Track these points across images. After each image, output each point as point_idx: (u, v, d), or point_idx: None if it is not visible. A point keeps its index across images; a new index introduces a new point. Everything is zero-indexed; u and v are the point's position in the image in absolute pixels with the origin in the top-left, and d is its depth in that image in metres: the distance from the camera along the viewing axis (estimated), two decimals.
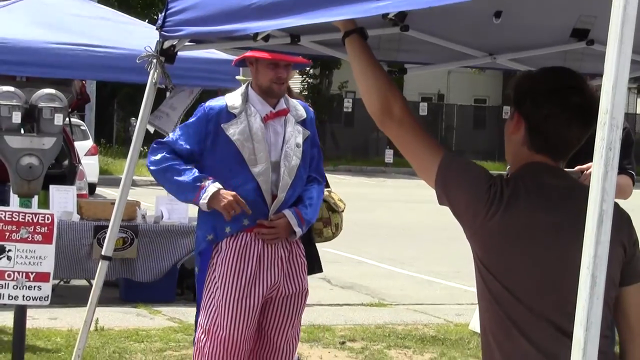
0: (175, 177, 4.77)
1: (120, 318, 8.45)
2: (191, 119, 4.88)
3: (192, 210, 9.75)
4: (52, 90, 9.47)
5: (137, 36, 8.80)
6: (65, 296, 9.12)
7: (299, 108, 5.01)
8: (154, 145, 4.86)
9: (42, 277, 8.13)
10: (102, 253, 4.72)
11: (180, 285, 9.60)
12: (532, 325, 2.67)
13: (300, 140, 4.93)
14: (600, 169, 1.93)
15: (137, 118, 4.84)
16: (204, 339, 4.76)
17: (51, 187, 9.26)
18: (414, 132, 2.86)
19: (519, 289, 2.68)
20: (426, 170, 2.82)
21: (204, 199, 4.70)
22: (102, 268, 4.66)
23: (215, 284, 4.77)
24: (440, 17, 3.94)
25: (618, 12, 1.91)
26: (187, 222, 9.43)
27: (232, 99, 4.85)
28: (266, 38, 3.90)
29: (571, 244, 2.60)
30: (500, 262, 2.71)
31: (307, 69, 37.29)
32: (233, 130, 4.77)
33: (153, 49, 4.33)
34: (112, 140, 31.14)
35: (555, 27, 4.23)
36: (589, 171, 4.79)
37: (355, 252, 13.70)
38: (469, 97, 41.59)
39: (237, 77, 6.00)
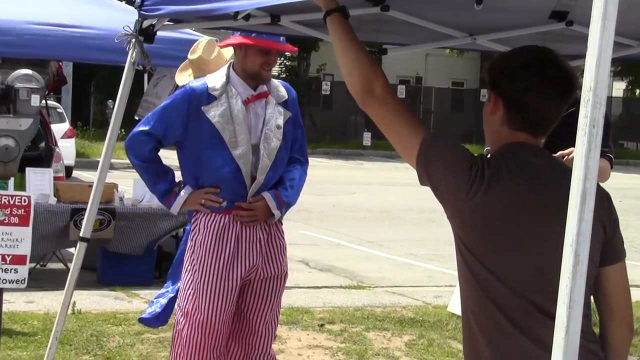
0: (152, 181, 4.86)
1: (97, 301, 8.42)
2: (171, 100, 4.83)
3: None
4: (28, 71, 9.41)
5: (114, 16, 8.74)
6: (42, 279, 9.07)
7: (281, 89, 4.97)
8: (142, 138, 4.78)
9: (18, 259, 8.07)
10: (81, 234, 4.69)
11: (158, 268, 9.57)
12: (513, 305, 2.67)
13: (281, 121, 4.89)
14: (584, 146, 1.92)
15: (114, 101, 4.79)
16: (183, 321, 4.74)
17: (27, 169, 9.21)
18: (395, 112, 2.84)
19: (500, 269, 2.68)
20: (408, 150, 2.81)
21: (176, 207, 4.83)
22: (80, 250, 4.62)
23: (193, 265, 4.75)
24: None
25: None
26: None
27: (213, 81, 4.80)
28: (247, 17, 3.87)
29: (553, 223, 2.60)
30: (481, 242, 2.70)
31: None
32: (213, 113, 4.73)
33: (132, 29, 4.28)
34: (89, 123, 30.97)
35: (534, 9, 4.22)
36: (571, 156, 4.78)
37: (334, 235, 13.71)
38: (446, 79, 41.63)
39: (189, 57, 5.79)
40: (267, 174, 4.82)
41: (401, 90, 35.91)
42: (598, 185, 2.89)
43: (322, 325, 7.89)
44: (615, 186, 5.40)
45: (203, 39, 5.24)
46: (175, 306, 4.83)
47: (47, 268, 9.86)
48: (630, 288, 8.83)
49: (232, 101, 4.76)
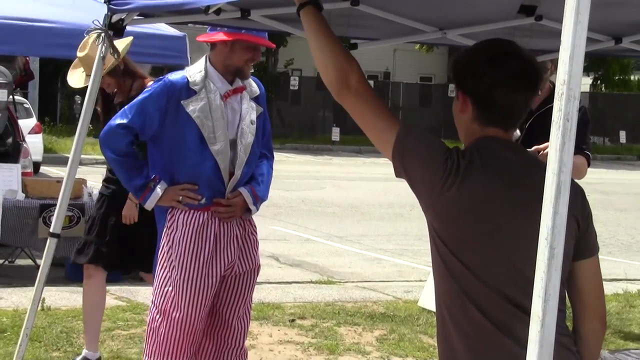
0: (127, 176, 4.78)
1: (67, 297, 8.36)
2: (149, 93, 4.73)
3: None
4: None
5: (82, 11, 8.66)
6: (11, 276, 9.00)
7: (253, 84, 4.96)
8: (119, 131, 4.71)
9: None
10: (51, 230, 4.65)
11: None
12: (487, 299, 2.67)
13: (254, 116, 4.88)
14: (558, 139, 1.92)
15: (82, 96, 4.74)
16: (159, 319, 4.69)
17: None
18: (371, 104, 2.84)
19: (474, 263, 2.68)
20: (383, 142, 2.80)
21: (151, 202, 4.76)
22: (50, 246, 4.59)
23: (171, 262, 4.69)
24: None
25: None
26: None
27: (193, 75, 4.75)
28: (217, 12, 3.85)
29: (526, 217, 2.60)
30: (455, 234, 2.70)
31: None
32: (193, 107, 4.68)
33: (101, 23, 4.25)
34: (56, 118, 30.79)
35: (503, 2, 4.23)
36: (545, 151, 4.80)
37: (303, 230, 13.71)
38: (414, 74, 41.74)
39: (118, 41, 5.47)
40: (242, 169, 4.81)
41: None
42: (572, 180, 2.91)
43: (292, 320, 7.89)
44: (582, 181, 5.39)
45: (92, 35, 4.76)
46: (151, 302, 4.79)
47: (15, 264, 9.78)
48: None
49: (210, 96, 4.71)
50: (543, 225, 1.93)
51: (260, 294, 8.80)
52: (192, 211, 4.73)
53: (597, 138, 39.07)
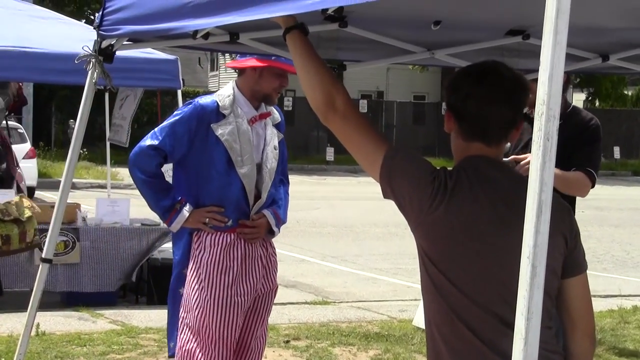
0: (155, 198, 4.81)
1: (62, 322, 8.36)
2: (179, 116, 4.81)
3: (133, 211, 9.70)
4: None
5: (73, 37, 8.70)
6: (5, 302, 8.98)
7: (275, 112, 5.07)
8: (149, 152, 4.77)
9: None
10: (43, 256, 4.66)
11: (123, 288, 9.53)
12: (476, 318, 2.69)
13: (276, 142, 5.01)
14: (539, 159, 1.95)
15: (75, 120, 4.75)
16: (194, 340, 4.73)
17: None
18: (358, 126, 2.87)
19: (463, 281, 2.70)
20: (371, 163, 2.83)
21: (177, 224, 4.80)
22: (42, 271, 4.60)
23: (200, 283, 4.75)
24: (378, 14, 3.96)
25: (552, 2, 1.94)
26: (129, 223, 9.36)
27: (223, 99, 4.85)
28: (206, 36, 3.89)
29: (513, 235, 2.62)
30: (444, 254, 2.73)
31: None
32: (222, 131, 4.77)
33: (91, 49, 4.28)
34: (50, 142, 30.78)
35: (491, 27, 4.26)
36: (524, 162, 4.81)
37: (298, 251, 13.71)
38: (408, 93, 41.84)
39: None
40: (267, 192, 4.91)
41: (363, 105, 35.97)
42: (559, 198, 2.94)
43: (287, 341, 7.89)
44: (578, 197, 5.43)
45: None
46: (181, 326, 4.81)
47: (10, 290, 9.75)
48: (594, 299, 8.91)
49: (238, 120, 4.82)
50: (525, 244, 1.95)
51: None
52: (218, 232, 4.80)
53: None
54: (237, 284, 4.77)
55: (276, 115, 5.06)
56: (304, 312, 9.30)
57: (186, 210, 4.78)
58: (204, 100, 4.86)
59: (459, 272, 2.71)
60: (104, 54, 4.23)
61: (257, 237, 4.87)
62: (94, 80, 4.34)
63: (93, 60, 4.25)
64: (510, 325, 2.62)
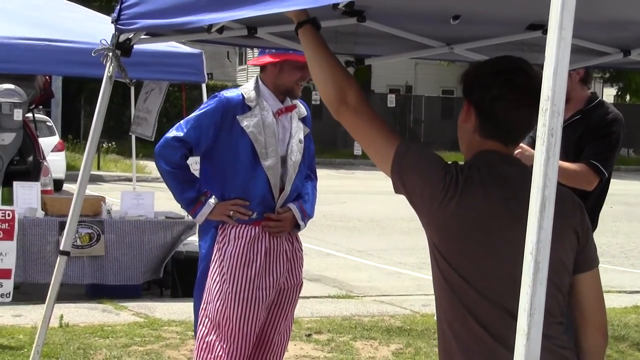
0: (180, 189, 4.82)
1: (85, 314, 8.42)
2: (204, 109, 4.84)
3: (160, 204, 9.75)
4: (11, 86, 9.43)
5: (101, 31, 8.73)
6: (31, 293, 9.05)
7: (300, 106, 5.08)
8: (174, 144, 4.80)
9: (3, 273, 8.08)
10: (61, 248, 4.69)
11: (147, 281, 9.58)
12: (488, 313, 2.68)
13: (302, 136, 5.01)
14: (542, 155, 1.94)
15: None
16: (214, 333, 4.74)
17: (15, 183, 9.22)
18: (370, 120, 2.87)
19: (473, 277, 2.70)
20: (382, 158, 2.83)
21: (202, 216, 4.82)
22: (60, 264, 4.63)
23: (223, 275, 4.75)
24: (396, 8, 3.95)
25: None
26: (153, 216, 9.41)
27: (248, 92, 4.87)
28: (220, 30, 3.90)
29: (524, 231, 2.61)
30: (454, 249, 2.72)
31: None
32: (247, 123, 4.79)
33: (109, 43, 4.31)
34: (79, 136, 30.96)
35: (511, 21, 4.24)
36: (516, 151, 4.77)
37: (324, 245, 13.73)
38: (436, 88, 41.72)
39: None
40: (292, 185, 4.90)
41: (391, 100, 35.97)
42: (570, 194, 2.92)
43: (309, 335, 7.90)
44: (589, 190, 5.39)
45: None
46: (201, 317, 4.82)
47: (34, 282, 9.83)
48: (619, 294, 8.88)
49: (264, 113, 4.83)
50: (528, 239, 1.95)
51: None
52: (243, 225, 4.80)
53: (621, 149, 38.85)
54: (260, 277, 4.76)
55: (302, 109, 5.07)
56: (327, 306, 9.31)
57: (211, 203, 4.79)
58: (230, 93, 4.88)
59: (470, 268, 2.70)
60: (122, 48, 4.25)
61: (283, 230, 4.86)
62: (109, 75, 4.37)
63: (110, 54, 4.28)
64: None
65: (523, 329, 1.91)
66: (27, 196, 9.19)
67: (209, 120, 4.77)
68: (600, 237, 15.14)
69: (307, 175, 5.12)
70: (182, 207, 4.99)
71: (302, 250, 5.02)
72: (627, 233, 16.34)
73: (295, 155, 4.92)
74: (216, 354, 4.72)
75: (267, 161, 4.80)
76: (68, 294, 8.59)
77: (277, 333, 4.93)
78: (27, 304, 8.58)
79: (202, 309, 4.82)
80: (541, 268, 1.91)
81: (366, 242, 14.26)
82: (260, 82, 4.91)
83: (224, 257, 4.77)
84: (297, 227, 4.94)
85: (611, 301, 9.95)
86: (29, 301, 8.68)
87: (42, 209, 9.16)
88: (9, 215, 8.16)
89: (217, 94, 4.90)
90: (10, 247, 8.07)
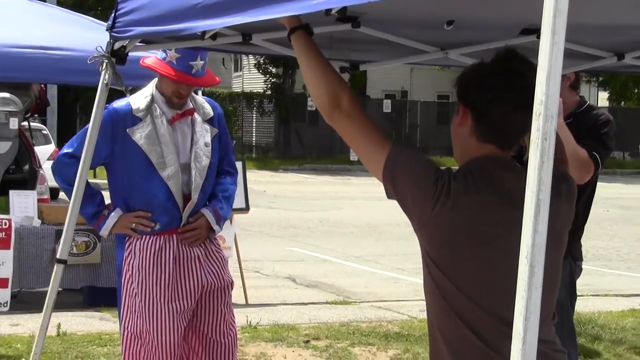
0: (80, 204, 4.69)
1: (83, 322, 8.40)
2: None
3: None
4: (6, 94, 9.43)
5: (96, 38, 8.72)
6: (29, 302, 9.05)
7: (206, 106, 4.99)
8: (66, 160, 4.75)
9: (0, 282, 8.08)
10: (57, 256, 4.69)
11: None
12: (480, 320, 2.67)
13: (208, 139, 4.91)
14: (537, 159, 1.94)
15: None
16: (137, 342, 4.71)
17: (11, 192, 9.21)
18: (362, 126, 2.85)
19: (466, 284, 2.68)
20: (374, 163, 2.81)
21: (105, 230, 4.78)
22: (57, 272, 4.63)
23: (133, 290, 4.72)
24: (391, 14, 3.96)
25: (550, 3, 1.93)
26: None
27: (137, 101, 4.79)
28: (214, 37, 3.90)
29: (517, 238, 2.60)
30: (447, 256, 2.70)
31: (270, 68, 37.41)
32: (139, 135, 4.72)
33: (104, 50, 4.31)
34: None
35: (505, 26, 4.25)
36: None
37: (321, 251, 13.72)
38: (432, 93, 41.75)
39: None
40: (199, 192, 4.84)
41: (387, 105, 35.98)
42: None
43: (307, 341, 7.90)
44: (603, 196, 5.45)
45: None
46: (122, 329, 4.77)
47: (33, 291, 9.81)
48: (616, 298, 8.92)
49: (157, 121, 4.76)
50: (523, 243, 1.95)
51: (275, 315, 8.84)
52: (147, 237, 4.75)
53: (616, 153, 38.87)
54: (172, 288, 4.72)
55: (207, 110, 4.96)
56: (325, 312, 9.31)
57: (114, 216, 4.76)
58: (119, 103, 4.79)
59: (463, 275, 2.68)
60: (117, 55, 4.26)
61: (199, 238, 4.81)
62: (105, 82, 4.37)
63: (105, 61, 4.28)
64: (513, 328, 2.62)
65: (519, 333, 1.92)
66: (23, 205, 9.18)
67: (100, 133, 4.60)
68: (597, 240, 15.17)
69: (226, 171, 5.05)
70: (87, 223, 4.94)
71: (221, 251, 4.97)
72: (624, 236, 16.35)
73: (202, 160, 4.84)
74: None
75: (166, 171, 4.73)
76: (65, 303, 8.58)
77: (219, 334, 4.87)
78: (25, 313, 8.56)
79: (121, 322, 4.79)
80: (536, 272, 1.91)
81: (363, 248, 14.25)
82: (155, 87, 4.85)
83: (132, 271, 4.73)
84: (213, 232, 4.88)
85: (608, 304, 9.96)
86: (26, 310, 8.66)
87: (39, 218, 9.14)
88: (5, 224, 8.17)
89: (107, 105, 4.75)
90: (7, 256, 8.08)
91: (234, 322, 5.01)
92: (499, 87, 2.75)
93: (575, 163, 5.25)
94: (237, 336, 5.04)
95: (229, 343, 4.92)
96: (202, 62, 4.71)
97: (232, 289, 4.98)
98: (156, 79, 4.88)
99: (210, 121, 4.96)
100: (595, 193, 5.56)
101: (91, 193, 4.78)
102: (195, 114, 4.90)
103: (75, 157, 4.69)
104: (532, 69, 2.76)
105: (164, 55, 4.72)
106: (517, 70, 2.77)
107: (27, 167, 11.08)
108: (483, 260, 2.68)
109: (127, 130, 4.72)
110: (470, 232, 2.67)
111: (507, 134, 2.80)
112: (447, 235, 2.69)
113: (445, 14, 3.85)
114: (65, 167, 4.76)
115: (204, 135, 4.89)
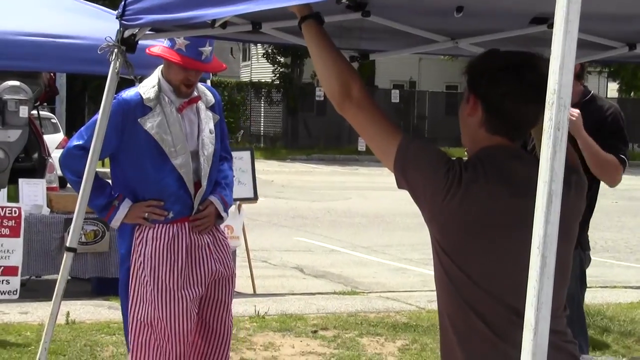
0: (90, 196, 4.65)
1: (91, 311, 8.42)
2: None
3: None
4: (16, 83, 9.43)
5: (106, 27, 8.72)
6: (37, 290, 9.08)
7: (207, 93, 5.00)
8: (76, 152, 4.73)
9: (10, 270, 8.10)
10: (67, 245, 4.69)
11: None
12: (490, 309, 2.67)
13: (212, 126, 4.93)
14: (549, 149, 1.93)
15: None
16: (148, 331, 4.70)
17: (20, 180, 9.22)
18: (373, 115, 2.85)
19: (476, 273, 2.68)
20: (385, 153, 2.81)
21: (116, 221, 4.78)
22: (66, 260, 4.63)
23: (145, 277, 4.70)
24: (401, 2, 3.94)
25: None
26: None
27: (147, 91, 4.78)
28: (224, 25, 3.89)
29: (529, 227, 2.60)
30: (458, 245, 2.70)
31: (278, 58, 37.38)
32: (151, 124, 4.72)
33: (113, 39, 4.31)
34: None
35: (515, 14, 4.23)
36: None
37: (328, 241, 13.72)
38: (440, 83, 41.70)
39: None
40: (208, 179, 4.86)
41: (395, 95, 35.93)
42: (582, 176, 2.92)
43: (315, 331, 7.90)
44: (608, 186, 5.45)
45: None
46: (131, 319, 4.76)
47: (42, 279, 9.85)
48: (625, 290, 8.91)
49: (166, 110, 4.76)
50: (535, 234, 1.94)
51: (283, 305, 8.84)
52: (160, 225, 4.75)
53: None
54: (185, 276, 4.73)
55: (209, 97, 4.98)
56: (333, 302, 9.31)
57: (124, 207, 4.75)
58: (128, 93, 4.77)
59: (473, 264, 2.69)
60: (127, 43, 4.25)
61: (209, 226, 4.84)
62: (116, 71, 4.37)
63: (115, 50, 4.28)
64: (524, 317, 2.61)
65: (530, 324, 1.91)
66: (32, 193, 9.19)
67: (110, 124, 4.59)
68: (605, 232, 15.15)
69: (223, 157, 5.07)
70: (97, 214, 4.93)
71: (225, 239, 4.99)
72: (632, 228, 16.32)
73: (208, 148, 4.86)
74: (152, 352, 4.70)
75: (178, 159, 4.74)
76: (74, 292, 8.60)
77: (221, 323, 4.90)
78: (34, 301, 8.59)
79: (130, 310, 4.77)
80: (548, 262, 1.90)
81: (371, 238, 14.25)
82: (161, 76, 4.84)
83: (143, 258, 4.72)
84: (220, 219, 4.91)
85: (617, 296, 9.94)
86: (36, 298, 8.69)
87: (48, 206, 9.16)
88: (15, 213, 8.18)
89: (116, 95, 4.71)
90: (16, 244, 8.09)
91: (232, 316, 5.04)
92: (510, 82, 2.74)
93: (608, 169, 5.33)
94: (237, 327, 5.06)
95: (227, 334, 4.94)
96: (210, 47, 4.71)
97: (234, 279, 5.02)
98: (160, 68, 4.87)
99: (212, 108, 4.98)
100: (602, 185, 5.58)
101: (100, 184, 4.76)
102: (200, 101, 4.91)
103: (85, 149, 4.65)
104: (539, 59, 2.77)
105: (171, 43, 4.71)
106: (528, 63, 2.76)
107: (36, 155, 11.08)
108: (494, 250, 2.68)
109: (139, 120, 4.71)
110: (481, 222, 2.67)
111: (517, 127, 2.80)
112: (457, 224, 2.68)
113: (455, 1, 3.83)
114: (75, 160, 4.73)
115: (208, 122, 4.92)
